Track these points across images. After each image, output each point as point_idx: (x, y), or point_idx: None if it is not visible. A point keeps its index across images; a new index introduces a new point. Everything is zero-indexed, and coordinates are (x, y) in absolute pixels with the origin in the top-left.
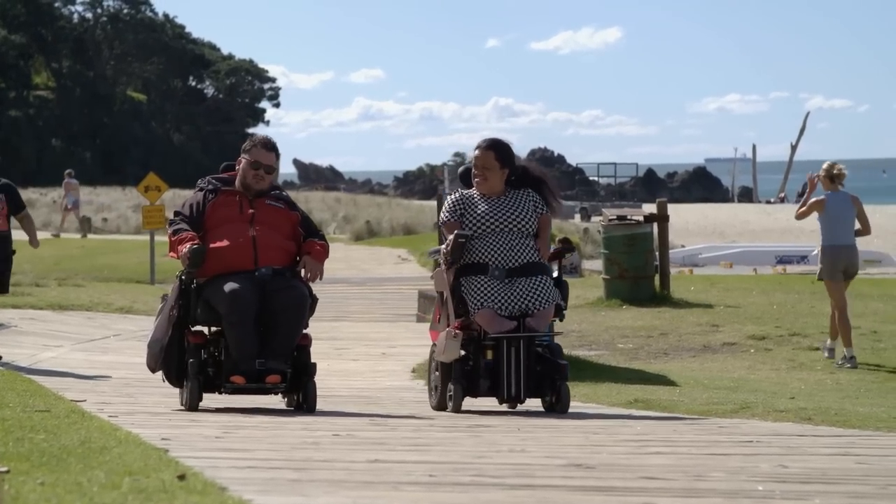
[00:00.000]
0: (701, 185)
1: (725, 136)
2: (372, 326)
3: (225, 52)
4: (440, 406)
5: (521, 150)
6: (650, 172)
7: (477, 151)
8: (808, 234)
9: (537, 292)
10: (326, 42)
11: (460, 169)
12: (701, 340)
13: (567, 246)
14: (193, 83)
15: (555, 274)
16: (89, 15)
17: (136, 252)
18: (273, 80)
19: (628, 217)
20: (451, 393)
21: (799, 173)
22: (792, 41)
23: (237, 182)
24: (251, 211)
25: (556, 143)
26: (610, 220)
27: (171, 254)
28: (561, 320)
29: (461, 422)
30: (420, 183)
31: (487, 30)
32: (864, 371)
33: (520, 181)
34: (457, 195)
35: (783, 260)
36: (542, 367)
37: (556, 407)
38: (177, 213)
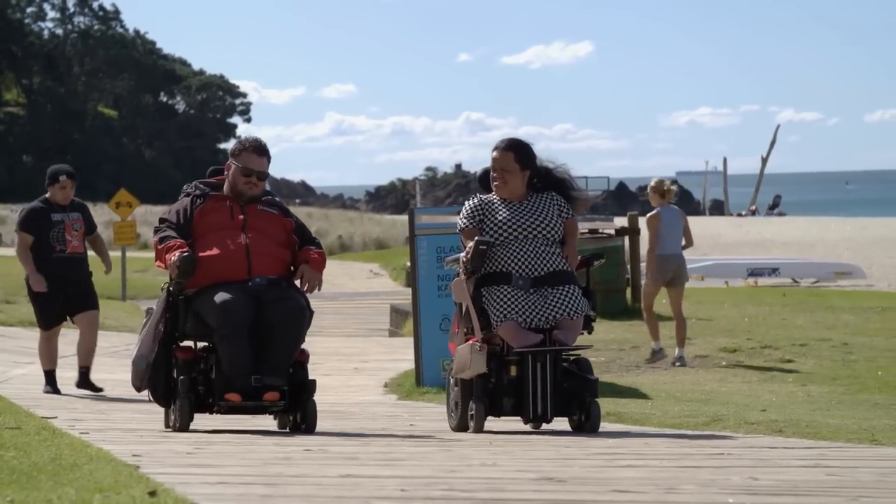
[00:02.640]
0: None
1: (696, 149)
2: (344, 341)
3: (196, 67)
4: (461, 427)
5: None
6: (621, 186)
7: (495, 153)
8: (779, 247)
9: (565, 303)
10: (298, 57)
11: (478, 172)
12: (673, 353)
13: (596, 253)
14: (164, 99)
15: (583, 283)
16: (60, 31)
17: None
18: (244, 95)
19: (599, 230)
20: (473, 412)
21: (770, 186)
22: (763, 54)
23: (226, 188)
24: (242, 217)
25: None
26: (581, 233)
27: (158, 263)
28: (590, 333)
29: (433, 436)
30: (392, 197)
31: (459, 44)
32: (835, 383)
33: (543, 183)
34: (475, 200)
35: (754, 273)
36: (569, 383)
37: (586, 426)
38: (162, 220)
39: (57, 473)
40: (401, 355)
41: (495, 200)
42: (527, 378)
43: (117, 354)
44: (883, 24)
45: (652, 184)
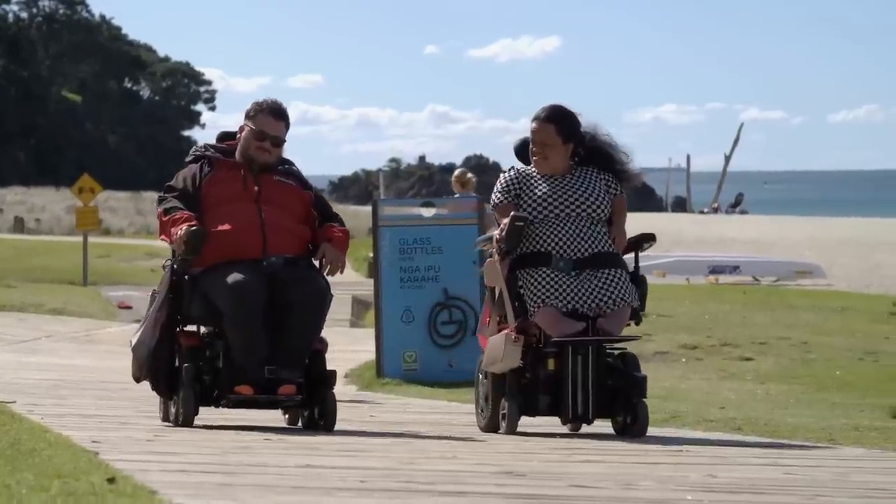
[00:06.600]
0: (635, 194)
1: (660, 146)
2: None
3: (161, 54)
4: (491, 427)
5: (457, 157)
6: None
7: (534, 124)
8: (741, 244)
9: (610, 288)
10: (265, 46)
11: (517, 141)
12: (633, 349)
13: (647, 234)
14: (129, 85)
15: (632, 268)
16: (24, 15)
17: (68, 253)
18: (209, 83)
19: None
20: (505, 411)
21: (732, 184)
22: (729, 52)
23: (238, 153)
24: (256, 188)
25: (493, 150)
26: None
27: (163, 237)
28: (637, 324)
29: (393, 428)
30: (355, 188)
31: (426, 36)
32: (793, 382)
33: (589, 155)
34: (511, 173)
35: (715, 270)
36: (614, 380)
37: (633, 429)
38: (168, 189)
39: (15, 458)
40: (361, 346)
41: (534, 173)
42: (566, 373)
43: (77, 340)
44: (848, 25)
45: (456, 173)
